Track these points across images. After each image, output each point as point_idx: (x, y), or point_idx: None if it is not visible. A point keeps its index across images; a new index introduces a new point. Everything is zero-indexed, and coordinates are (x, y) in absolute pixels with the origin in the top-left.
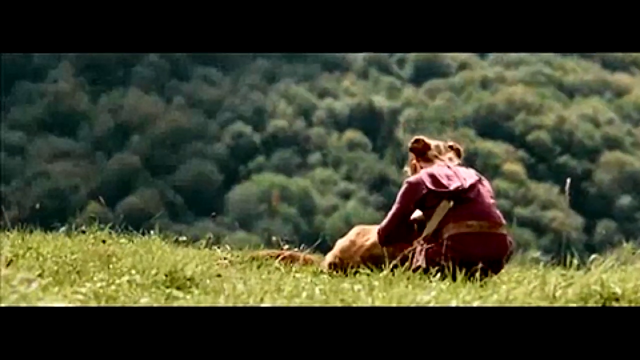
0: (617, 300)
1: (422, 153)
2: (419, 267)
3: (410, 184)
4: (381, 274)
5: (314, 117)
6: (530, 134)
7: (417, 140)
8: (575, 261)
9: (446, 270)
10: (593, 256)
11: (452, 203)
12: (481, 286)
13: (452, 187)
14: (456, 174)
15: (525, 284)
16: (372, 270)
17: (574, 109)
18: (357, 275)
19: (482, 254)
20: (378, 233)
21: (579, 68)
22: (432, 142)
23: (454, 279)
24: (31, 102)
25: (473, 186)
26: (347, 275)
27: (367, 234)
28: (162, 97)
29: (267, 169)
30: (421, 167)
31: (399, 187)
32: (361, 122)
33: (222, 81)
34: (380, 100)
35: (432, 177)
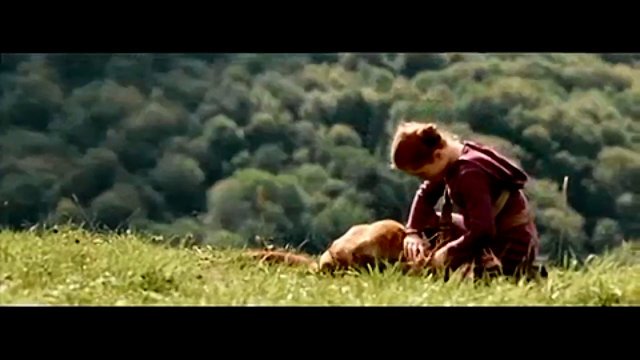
0: (616, 301)
1: (436, 140)
2: (494, 267)
3: (478, 172)
4: (370, 275)
5: (300, 111)
6: (527, 128)
7: (430, 129)
8: (574, 261)
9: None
10: (591, 256)
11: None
12: (475, 287)
13: (513, 174)
14: (497, 155)
15: (521, 285)
16: (360, 272)
17: (573, 103)
18: (345, 276)
19: (537, 244)
20: (483, 232)
21: (578, 60)
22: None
23: (529, 277)
24: (0, 94)
25: None
26: (334, 277)
27: (363, 233)
28: (139, 89)
29: (251, 165)
30: (444, 154)
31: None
32: (350, 116)
33: (203, 72)
34: (370, 93)
35: (487, 163)
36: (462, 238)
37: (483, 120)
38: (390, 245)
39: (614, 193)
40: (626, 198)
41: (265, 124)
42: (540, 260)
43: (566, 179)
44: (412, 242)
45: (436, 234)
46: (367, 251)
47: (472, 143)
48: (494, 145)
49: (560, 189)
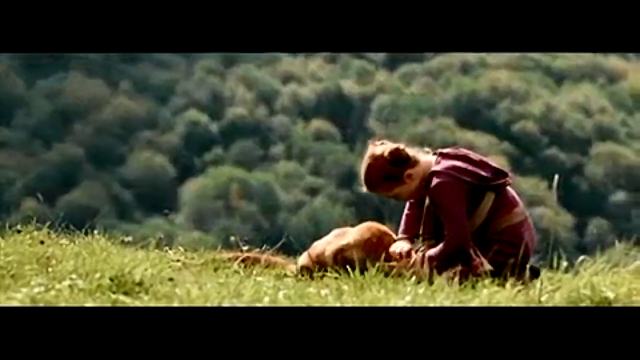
0: (609, 305)
1: (405, 161)
2: (485, 272)
3: (449, 182)
4: (351, 277)
5: (277, 105)
6: (515, 123)
7: (397, 151)
8: (564, 263)
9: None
10: (582, 257)
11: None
12: (461, 290)
13: (493, 175)
14: (473, 158)
15: (509, 288)
16: (340, 274)
17: (564, 96)
18: (325, 278)
19: (531, 241)
20: (455, 247)
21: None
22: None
23: (520, 277)
24: None
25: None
26: (313, 279)
27: (346, 235)
28: (107, 81)
29: (225, 162)
30: (417, 173)
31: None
32: (329, 110)
33: (174, 64)
34: (351, 86)
35: (461, 170)
36: (438, 249)
37: (469, 115)
38: (374, 249)
39: (606, 191)
40: (619, 196)
41: (240, 119)
42: (530, 262)
43: (556, 176)
44: (400, 247)
45: (420, 244)
46: (349, 253)
47: (445, 151)
48: (465, 150)
49: (550, 187)
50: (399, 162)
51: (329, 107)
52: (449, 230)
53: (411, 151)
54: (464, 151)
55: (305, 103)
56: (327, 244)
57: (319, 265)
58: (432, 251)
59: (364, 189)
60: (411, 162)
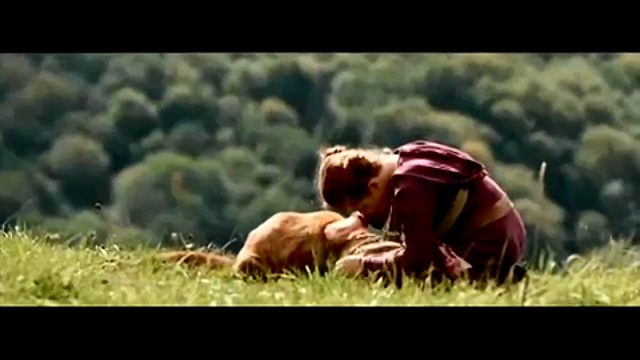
0: None
1: (368, 169)
2: (462, 272)
3: (414, 188)
4: (309, 279)
5: (224, 83)
6: (496, 104)
7: (357, 160)
8: (552, 263)
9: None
10: (572, 257)
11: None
12: (434, 293)
13: (464, 170)
14: (440, 152)
15: (488, 291)
16: (297, 275)
17: (551, 74)
18: (280, 280)
19: (519, 239)
20: (411, 263)
21: None
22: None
23: (501, 277)
24: None
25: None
26: (266, 281)
27: (300, 223)
28: (29, 56)
29: (165, 148)
30: (381, 180)
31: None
32: (284, 90)
33: None
34: (309, 62)
35: (426, 170)
36: (396, 257)
37: (443, 95)
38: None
39: (600, 182)
40: (614, 187)
41: (182, 99)
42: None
43: (543, 164)
44: (348, 224)
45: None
46: (308, 246)
47: (406, 149)
48: (430, 144)
49: (535, 176)
50: (361, 172)
51: (284, 86)
52: (409, 246)
53: (371, 156)
54: (428, 146)
55: (257, 81)
56: (274, 233)
57: (267, 258)
58: (391, 256)
59: (326, 206)
60: (373, 169)
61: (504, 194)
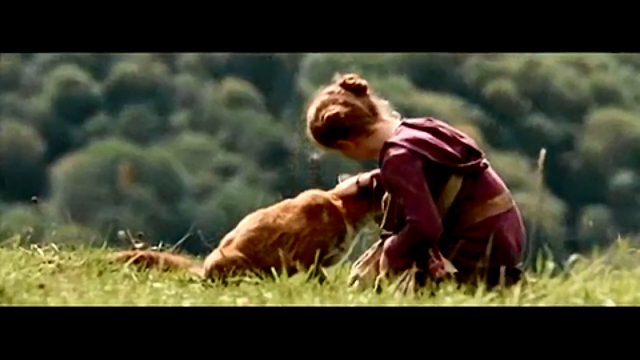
0: None
1: (346, 130)
2: (445, 275)
3: (404, 155)
4: (276, 282)
5: (179, 60)
6: (488, 84)
7: (335, 119)
8: (551, 264)
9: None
10: (574, 257)
11: (462, 178)
12: (417, 299)
13: (463, 153)
14: (444, 132)
15: (479, 296)
16: (261, 278)
17: None
18: (242, 284)
19: (516, 240)
20: (420, 232)
21: None
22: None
23: (493, 282)
24: None
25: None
26: (226, 285)
27: (285, 217)
28: None
29: (111, 134)
30: (364, 144)
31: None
32: (247, 68)
33: None
34: None
35: (421, 143)
36: (397, 238)
37: (429, 73)
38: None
39: (606, 171)
40: (622, 178)
41: (131, 78)
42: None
43: (542, 152)
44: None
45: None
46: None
47: (410, 121)
48: (438, 122)
49: (533, 165)
50: (335, 130)
51: (247, 65)
52: (410, 213)
53: (376, 101)
54: (435, 122)
55: (216, 59)
56: (263, 230)
57: (253, 259)
58: (390, 242)
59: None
60: (354, 131)
61: (507, 191)
